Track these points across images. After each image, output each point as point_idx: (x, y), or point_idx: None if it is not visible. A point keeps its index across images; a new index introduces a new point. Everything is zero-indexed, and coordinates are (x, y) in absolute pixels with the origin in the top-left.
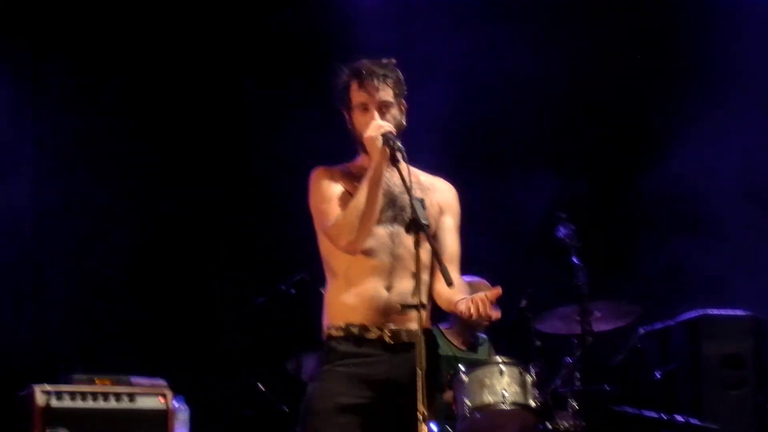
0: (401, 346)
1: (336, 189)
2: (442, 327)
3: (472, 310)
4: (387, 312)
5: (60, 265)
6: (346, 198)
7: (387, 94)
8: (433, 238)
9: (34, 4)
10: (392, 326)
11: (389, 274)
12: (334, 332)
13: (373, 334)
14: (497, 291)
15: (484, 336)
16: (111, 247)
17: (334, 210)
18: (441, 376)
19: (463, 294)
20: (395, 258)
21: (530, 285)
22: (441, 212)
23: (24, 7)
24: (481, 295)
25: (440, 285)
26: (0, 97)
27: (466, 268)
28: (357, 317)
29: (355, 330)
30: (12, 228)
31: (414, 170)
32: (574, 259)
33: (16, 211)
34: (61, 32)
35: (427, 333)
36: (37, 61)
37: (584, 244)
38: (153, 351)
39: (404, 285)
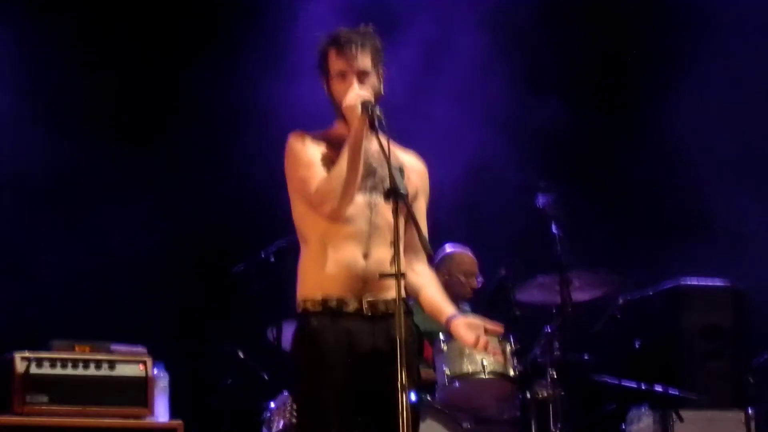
0: (379, 316)
1: (314, 154)
2: None
3: (480, 345)
4: (365, 280)
5: (43, 233)
6: (326, 163)
7: (365, 61)
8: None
9: None
10: (370, 297)
11: (366, 242)
12: (310, 306)
13: (351, 307)
14: (499, 330)
15: (467, 307)
16: (94, 215)
17: (315, 176)
18: (419, 344)
19: (430, 281)
20: (373, 226)
21: (510, 253)
22: (416, 193)
23: None
24: (483, 335)
25: (410, 274)
26: None
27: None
28: (334, 288)
29: (333, 304)
30: None
31: (390, 143)
32: (554, 228)
33: None
34: None
35: (404, 302)
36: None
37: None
38: (133, 318)
39: (381, 253)
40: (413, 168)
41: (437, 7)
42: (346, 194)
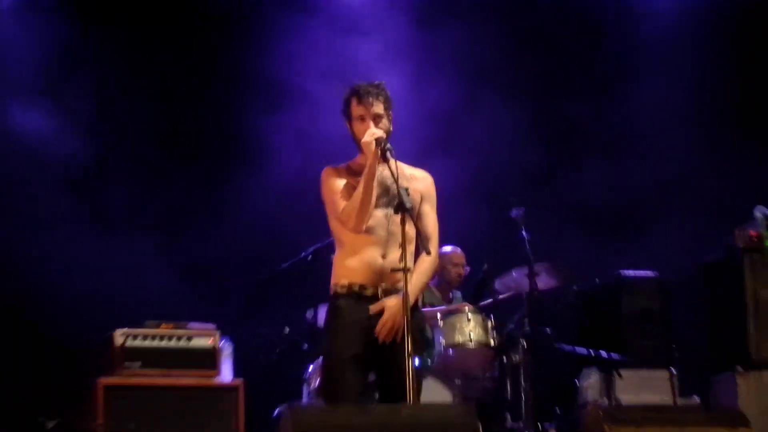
0: None
1: (341, 183)
2: (431, 284)
3: (382, 334)
4: (382, 275)
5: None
6: (350, 190)
7: (379, 108)
8: (417, 218)
9: None
10: (384, 285)
11: (384, 246)
12: (339, 289)
13: (369, 291)
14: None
15: (459, 292)
16: (171, 215)
17: (342, 201)
18: (423, 322)
19: (415, 271)
20: (389, 234)
21: (491, 252)
22: (422, 200)
23: None
24: (387, 324)
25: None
26: None
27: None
28: (358, 278)
29: (356, 288)
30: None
31: (400, 164)
32: (524, 233)
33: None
34: None
35: None
36: None
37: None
38: (207, 303)
39: (396, 254)
40: (419, 178)
41: None
42: (364, 213)
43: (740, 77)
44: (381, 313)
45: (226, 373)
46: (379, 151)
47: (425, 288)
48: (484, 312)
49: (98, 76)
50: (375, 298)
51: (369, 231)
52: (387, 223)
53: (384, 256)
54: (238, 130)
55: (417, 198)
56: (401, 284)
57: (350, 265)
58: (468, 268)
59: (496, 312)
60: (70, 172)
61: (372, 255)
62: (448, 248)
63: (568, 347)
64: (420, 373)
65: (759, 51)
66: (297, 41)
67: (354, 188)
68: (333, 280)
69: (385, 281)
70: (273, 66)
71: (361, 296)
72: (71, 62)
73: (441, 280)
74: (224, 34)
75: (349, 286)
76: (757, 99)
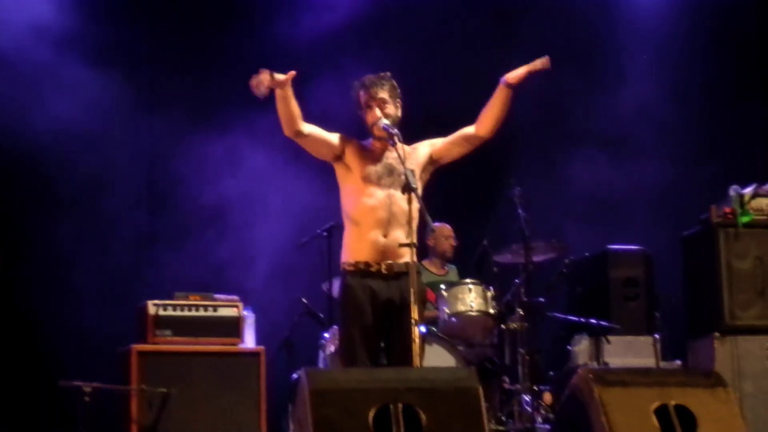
0: (394, 275)
1: (332, 134)
2: (423, 261)
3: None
4: (384, 252)
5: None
6: (360, 162)
7: (384, 94)
8: (446, 143)
9: None
10: (388, 261)
11: (386, 226)
12: (347, 267)
13: (373, 268)
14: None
15: (453, 266)
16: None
17: (311, 126)
18: (424, 294)
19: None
20: (391, 214)
21: (491, 228)
22: (425, 157)
23: None
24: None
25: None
26: None
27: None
28: (362, 256)
29: (361, 265)
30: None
31: (404, 146)
32: (520, 211)
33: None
34: None
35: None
36: None
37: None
38: (231, 276)
39: (396, 232)
40: (418, 148)
41: None
42: (284, 118)
43: (720, 61)
44: (385, 288)
45: (249, 341)
46: (389, 137)
47: None
48: (484, 283)
49: None
50: (379, 274)
51: (373, 211)
52: (389, 203)
53: (386, 235)
54: None
55: (419, 168)
56: (402, 260)
57: (356, 245)
58: (456, 242)
59: (496, 283)
60: None
61: (374, 235)
62: (438, 224)
63: (560, 315)
64: (424, 339)
65: (739, 34)
66: None
67: (362, 163)
68: (342, 259)
69: (388, 257)
70: None
71: (366, 273)
72: None
73: (435, 253)
74: None
75: (356, 264)
76: (735, 83)
